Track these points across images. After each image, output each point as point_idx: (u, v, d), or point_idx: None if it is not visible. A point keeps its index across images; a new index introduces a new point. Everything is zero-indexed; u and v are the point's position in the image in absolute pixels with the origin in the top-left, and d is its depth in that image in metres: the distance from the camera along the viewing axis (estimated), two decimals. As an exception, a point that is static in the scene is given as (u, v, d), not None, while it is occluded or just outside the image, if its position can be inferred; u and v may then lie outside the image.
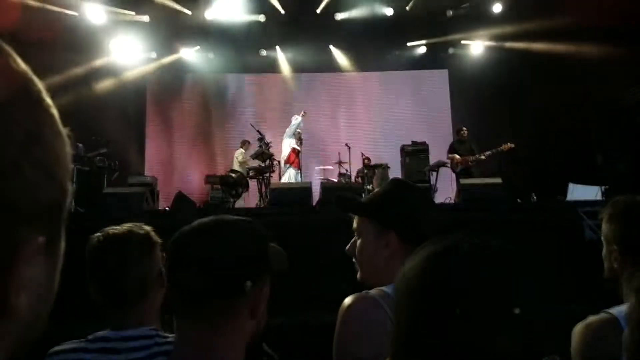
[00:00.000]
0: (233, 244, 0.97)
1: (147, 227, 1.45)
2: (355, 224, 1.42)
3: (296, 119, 9.93)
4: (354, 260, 1.41)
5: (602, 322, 1.27)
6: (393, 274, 1.30)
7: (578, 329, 1.30)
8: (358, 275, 1.41)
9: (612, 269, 1.38)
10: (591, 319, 1.31)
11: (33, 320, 0.42)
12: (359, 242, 1.39)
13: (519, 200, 7.67)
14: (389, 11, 11.91)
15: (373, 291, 1.26)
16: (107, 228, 1.43)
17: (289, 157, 9.58)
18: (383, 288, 1.27)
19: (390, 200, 1.37)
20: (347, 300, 1.27)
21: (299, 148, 9.63)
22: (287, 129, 9.95)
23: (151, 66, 12.44)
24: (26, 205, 0.38)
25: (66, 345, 1.36)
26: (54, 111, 0.44)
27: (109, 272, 1.34)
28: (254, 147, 9.44)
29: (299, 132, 9.81)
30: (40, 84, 0.43)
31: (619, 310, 1.27)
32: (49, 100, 0.43)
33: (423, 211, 1.35)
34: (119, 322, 1.37)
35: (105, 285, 1.36)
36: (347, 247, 1.43)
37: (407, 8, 11.61)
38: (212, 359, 0.94)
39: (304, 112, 10.05)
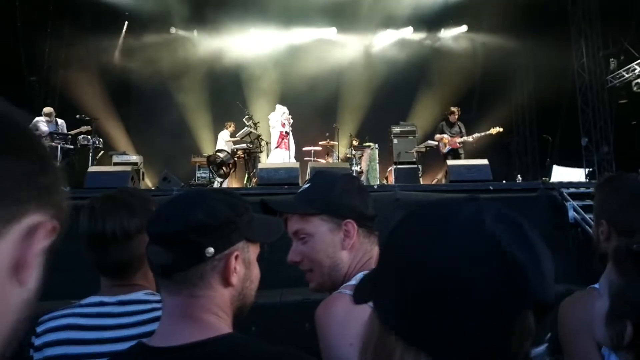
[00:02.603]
0: (185, 217, 0.97)
1: (147, 195, 1.42)
2: (297, 227, 1.28)
3: (281, 109, 9.56)
4: (302, 267, 1.30)
5: (587, 295, 1.31)
6: (354, 263, 1.28)
7: (565, 303, 1.34)
8: (312, 284, 1.30)
9: (600, 243, 1.41)
10: (577, 293, 1.35)
11: (27, 302, 0.49)
12: (310, 243, 1.28)
13: (504, 181, 7.74)
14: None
15: (347, 290, 1.20)
16: (104, 195, 1.39)
17: (277, 142, 9.38)
18: (354, 282, 1.22)
19: (336, 190, 1.30)
20: (325, 306, 1.19)
21: (286, 129, 9.43)
22: (271, 116, 9.62)
23: (138, 43, 12.23)
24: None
25: (58, 311, 1.35)
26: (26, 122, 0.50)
27: (111, 244, 1.31)
28: (240, 129, 9.30)
29: (284, 115, 9.53)
30: None
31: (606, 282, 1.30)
32: None
33: (364, 193, 1.34)
34: (114, 287, 1.36)
35: (104, 256, 1.33)
36: (291, 255, 1.29)
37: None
38: (195, 326, 0.95)
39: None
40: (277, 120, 9.46)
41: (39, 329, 1.33)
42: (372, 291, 0.62)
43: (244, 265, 1.02)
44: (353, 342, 1.05)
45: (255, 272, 1.06)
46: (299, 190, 1.36)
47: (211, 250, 0.96)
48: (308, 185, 1.36)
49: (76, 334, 1.29)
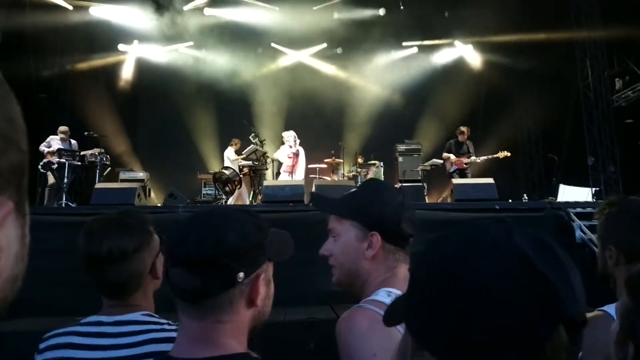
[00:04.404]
0: (219, 240, 0.94)
1: (145, 216, 1.43)
2: (332, 225, 1.37)
3: (288, 135, 9.27)
4: (329, 262, 1.37)
5: (595, 318, 1.30)
6: (375, 275, 1.30)
7: None
8: (334, 277, 1.37)
9: (606, 267, 1.40)
10: (587, 316, 1.33)
11: (12, 280, 0.43)
12: (337, 243, 1.35)
13: (510, 200, 7.71)
14: (381, 11, 12.06)
15: (368, 304, 1.22)
16: (104, 216, 1.41)
17: (289, 166, 9.18)
18: (376, 298, 1.24)
19: (373, 201, 1.34)
20: (347, 319, 1.22)
21: (294, 150, 9.20)
22: (281, 148, 9.41)
23: (146, 61, 12.42)
24: None
25: (60, 329, 1.36)
26: None
27: (108, 264, 1.32)
28: (245, 147, 9.28)
29: (289, 140, 9.21)
30: None
31: (612, 307, 1.29)
32: None
33: (403, 211, 1.35)
34: (112, 307, 1.37)
35: (102, 275, 1.35)
36: (322, 249, 1.37)
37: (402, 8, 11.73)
38: (213, 350, 0.94)
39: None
40: (284, 147, 9.29)
41: (41, 346, 1.34)
42: (404, 312, 0.63)
43: (265, 284, 1.02)
44: (377, 353, 1.11)
45: (272, 289, 1.06)
46: (346, 192, 1.43)
47: (242, 275, 0.94)
48: (354, 190, 1.44)
49: (73, 353, 1.29)
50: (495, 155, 8.78)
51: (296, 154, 9.12)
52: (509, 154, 8.75)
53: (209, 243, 0.93)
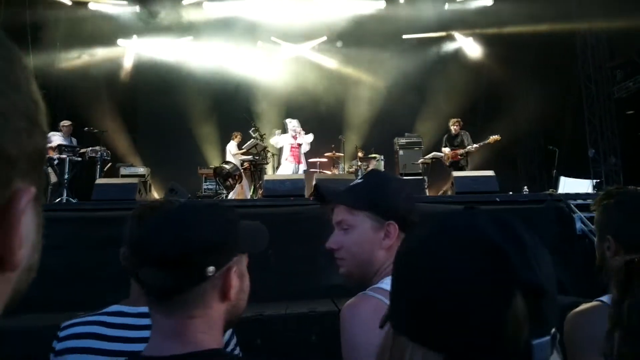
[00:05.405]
0: (183, 237, 0.94)
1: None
2: (342, 217, 1.35)
3: (291, 124, 9.36)
4: (337, 254, 1.35)
5: (593, 309, 1.30)
6: (388, 265, 1.29)
7: (571, 315, 1.34)
8: (343, 269, 1.36)
9: (604, 258, 1.40)
10: (583, 306, 1.34)
11: (28, 270, 0.42)
12: (350, 235, 1.33)
13: (511, 192, 7.71)
14: (381, 4, 12.01)
15: (374, 292, 1.23)
16: (149, 203, 1.42)
17: (289, 154, 9.25)
18: (382, 286, 1.24)
19: (385, 191, 1.35)
20: (353, 306, 1.22)
21: (298, 142, 9.25)
22: (282, 136, 9.49)
23: (145, 56, 12.39)
24: (18, 155, 0.37)
25: (82, 317, 1.35)
26: (22, 56, 0.41)
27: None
28: (246, 139, 9.31)
29: (294, 130, 9.31)
30: None
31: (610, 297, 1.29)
32: (12, 45, 0.40)
33: (413, 199, 1.37)
34: (137, 295, 1.35)
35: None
36: (330, 242, 1.35)
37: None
38: (184, 347, 0.94)
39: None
40: (287, 136, 9.36)
41: (61, 334, 1.33)
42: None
43: (238, 277, 1.01)
44: (374, 342, 1.12)
45: (247, 282, 1.05)
46: (351, 184, 1.41)
47: (212, 268, 0.94)
48: (360, 180, 1.42)
49: (99, 344, 1.29)
50: (487, 142, 8.75)
51: (299, 145, 9.13)
52: (499, 137, 8.72)
53: (176, 241, 0.94)
